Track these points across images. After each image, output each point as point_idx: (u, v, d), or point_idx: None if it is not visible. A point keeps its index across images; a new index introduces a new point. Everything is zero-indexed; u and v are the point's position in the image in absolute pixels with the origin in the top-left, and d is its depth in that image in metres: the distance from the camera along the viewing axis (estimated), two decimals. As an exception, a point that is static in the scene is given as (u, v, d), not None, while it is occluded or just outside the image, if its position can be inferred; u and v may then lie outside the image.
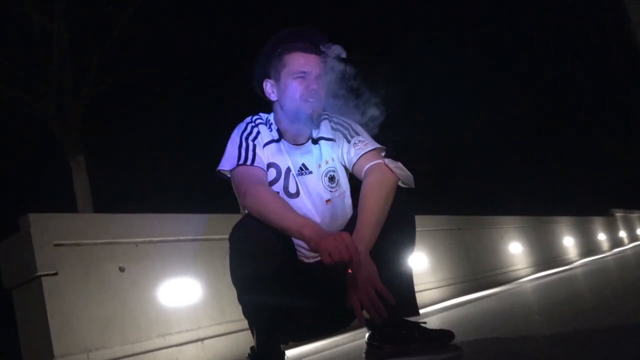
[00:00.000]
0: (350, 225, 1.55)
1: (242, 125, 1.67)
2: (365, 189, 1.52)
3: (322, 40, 1.62)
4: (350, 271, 1.31)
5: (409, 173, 1.56)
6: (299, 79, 1.58)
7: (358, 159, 1.60)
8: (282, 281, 1.39)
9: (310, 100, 1.58)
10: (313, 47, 1.61)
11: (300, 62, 1.59)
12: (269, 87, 1.65)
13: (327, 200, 1.64)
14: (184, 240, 2.52)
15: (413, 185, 1.57)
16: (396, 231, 1.49)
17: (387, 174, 1.52)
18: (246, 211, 1.49)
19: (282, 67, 1.61)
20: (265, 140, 1.63)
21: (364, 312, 1.37)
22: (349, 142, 1.65)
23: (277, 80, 1.63)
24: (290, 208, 1.44)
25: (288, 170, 1.62)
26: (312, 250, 1.34)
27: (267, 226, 1.40)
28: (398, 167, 1.54)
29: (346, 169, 1.71)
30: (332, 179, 1.66)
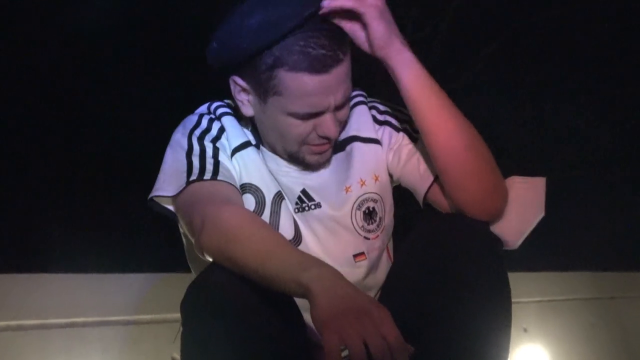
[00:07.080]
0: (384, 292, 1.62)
1: (191, 119, 1.70)
2: None
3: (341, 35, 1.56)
4: None
5: None
6: (303, 119, 1.57)
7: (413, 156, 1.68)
8: None
9: (318, 152, 1.62)
10: (334, 53, 1.51)
11: (309, 99, 1.53)
12: (238, 92, 1.63)
13: (358, 256, 1.68)
14: (93, 324, 2.54)
15: None
16: (474, 299, 1.48)
17: None
18: (209, 258, 1.50)
19: (271, 90, 1.55)
20: (235, 143, 1.66)
21: None
22: (398, 131, 1.72)
23: (262, 101, 1.59)
24: (282, 239, 1.44)
25: (277, 197, 1.66)
26: (314, 324, 1.25)
27: (249, 281, 1.38)
28: None
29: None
30: (370, 214, 1.71)
